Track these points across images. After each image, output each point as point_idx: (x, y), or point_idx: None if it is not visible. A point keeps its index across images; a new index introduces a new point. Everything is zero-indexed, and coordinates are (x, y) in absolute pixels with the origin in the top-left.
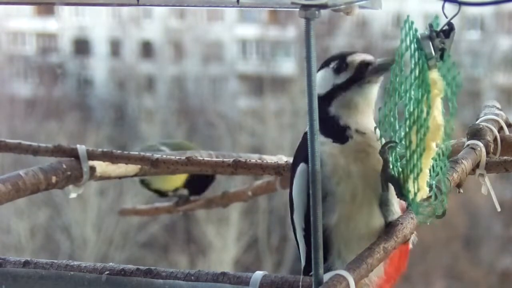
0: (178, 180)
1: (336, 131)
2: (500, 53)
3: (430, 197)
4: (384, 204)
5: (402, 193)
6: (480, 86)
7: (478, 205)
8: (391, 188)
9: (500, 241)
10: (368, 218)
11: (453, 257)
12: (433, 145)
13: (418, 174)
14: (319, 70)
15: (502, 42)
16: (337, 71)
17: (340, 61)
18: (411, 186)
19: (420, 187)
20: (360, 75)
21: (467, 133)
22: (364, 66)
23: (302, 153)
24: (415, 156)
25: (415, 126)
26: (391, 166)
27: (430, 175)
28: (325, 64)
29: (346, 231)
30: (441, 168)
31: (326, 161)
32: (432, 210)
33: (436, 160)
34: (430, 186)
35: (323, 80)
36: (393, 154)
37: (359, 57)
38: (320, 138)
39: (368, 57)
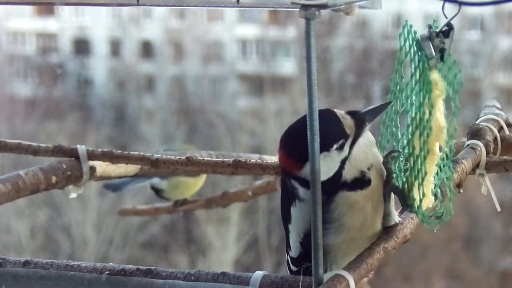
0: (192, 190)
1: (359, 182)
2: (500, 53)
3: (436, 206)
4: (386, 215)
5: (407, 204)
6: (480, 86)
7: (478, 205)
8: (392, 197)
9: (500, 241)
10: (372, 235)
11: (453, 257)
12: (437, 148)
13: (423, 179)
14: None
15: (502, 42)
16: (341, 148)
17: (343, 139)
18: (416, 194)
19: (425, 194)
20: (359, 132)
21: (467, 133)
22: (358, 124)
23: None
24: (419, 161)
25: (417, 130)
26: (394, 177)
27: (435, 182)
28: (322, 147)
29: (347, 249)
30: (445, 173)
31: (346, 207)
32: (439, 217)
33: (440, 166)
34: (436, 194)
35: (328, 164)
36: (397, 164)
37: (350, 120)
38: (343, 193)
39: (348, 114)
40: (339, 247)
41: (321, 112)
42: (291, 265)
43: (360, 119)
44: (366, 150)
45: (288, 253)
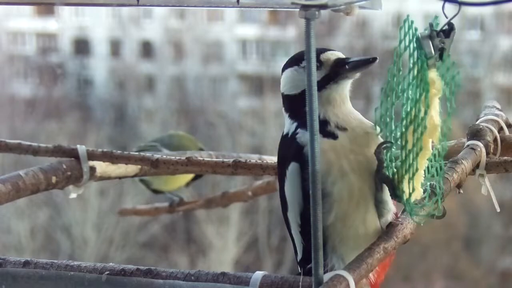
0: (178, 182)
1: (322, 127)
2: (500, 53)
3: (424, 198)
4: (379, 203)
5: (396, 194)
6: (480, 86)
7: (478, 205)
8: (385, 188)
9: (500, 241)
10: (364, 215)
11: (453, 257)
12: (429, 145)
13: (413, 174)
14: (285, 68)
15: (502, 42)
16: None
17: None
18: (405, 186)
19: (415, 188)
20: (336, 72)
21: (467, 133)
22: (339, 63)
23: (289, 151)
24: (411, 156)
25: (411, 126)
26: (385, 167)
27: (425, 176)
28: (293, 63)
29: (342, 229)
30: (436, 169)
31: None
32: (427, 211)
33: (431, 161)
34: (425, 189)
35: (293, 79)
36: (388, 155)
37: (332, 55)
38: (304, 136)
39: (339, 54)
40: (334, 228)
41: None
42: (298, 268)
43: (341, 61)
44: (344, 112)
45: (296, 257)
